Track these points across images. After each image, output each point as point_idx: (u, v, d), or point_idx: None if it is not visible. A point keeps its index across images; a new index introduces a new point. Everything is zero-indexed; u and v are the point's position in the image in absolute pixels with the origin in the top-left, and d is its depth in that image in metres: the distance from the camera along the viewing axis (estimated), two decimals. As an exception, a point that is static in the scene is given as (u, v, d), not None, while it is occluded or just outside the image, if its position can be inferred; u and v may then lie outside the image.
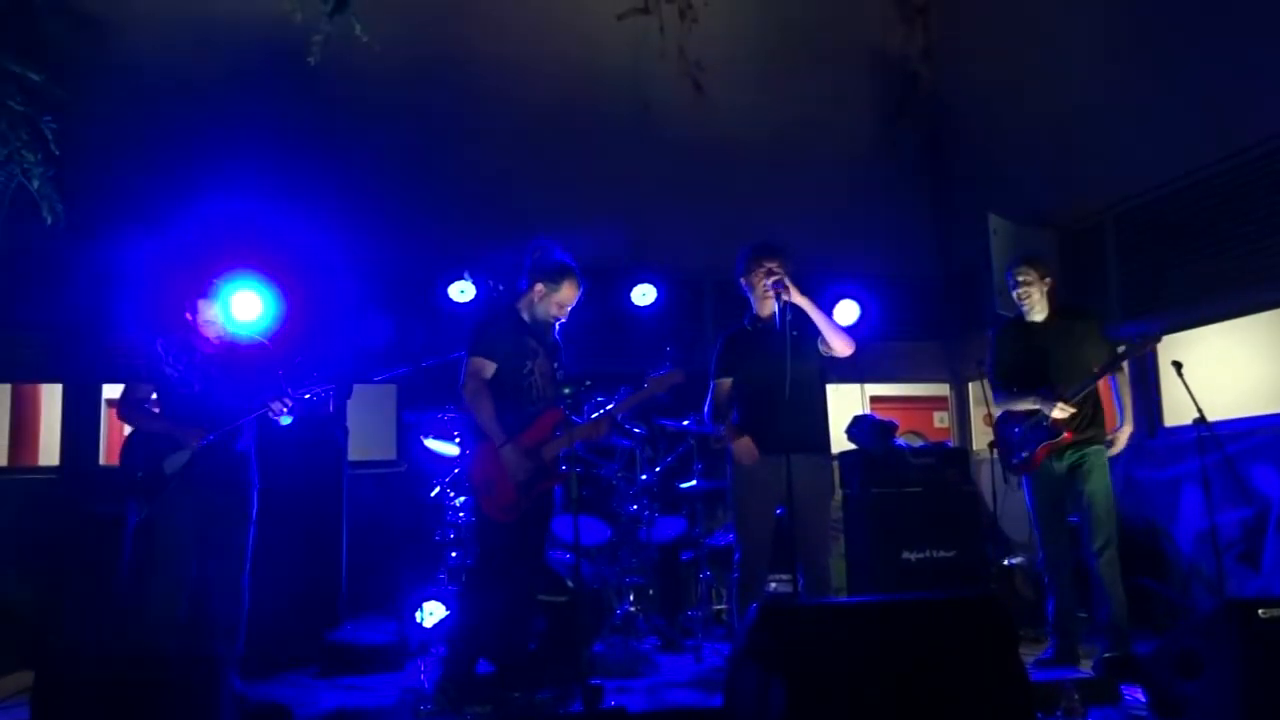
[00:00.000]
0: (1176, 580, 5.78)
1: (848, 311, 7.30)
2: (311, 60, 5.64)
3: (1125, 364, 4.84)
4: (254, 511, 4.40)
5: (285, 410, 4.31)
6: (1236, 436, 5.48)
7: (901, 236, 8.24)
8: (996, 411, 5.12)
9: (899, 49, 8.50)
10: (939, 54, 8.44)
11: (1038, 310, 4.93)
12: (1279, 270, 5.59)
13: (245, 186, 6.30)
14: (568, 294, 4.36)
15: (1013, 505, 6.51)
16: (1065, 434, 4.72)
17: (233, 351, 4.46)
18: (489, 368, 4.23)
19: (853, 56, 8.42)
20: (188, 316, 4.39)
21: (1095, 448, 4.79)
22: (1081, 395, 4.71)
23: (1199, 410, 4.82)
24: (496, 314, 4.48)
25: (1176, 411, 5.84)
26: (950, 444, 7.42)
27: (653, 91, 7.66)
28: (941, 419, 9.46)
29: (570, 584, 4.81)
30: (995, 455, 6.23)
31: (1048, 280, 4.91)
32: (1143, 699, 3.85)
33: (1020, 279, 4.91)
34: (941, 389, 8.86)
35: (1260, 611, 3.44)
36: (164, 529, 4.20)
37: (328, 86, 6.55)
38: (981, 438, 7.84)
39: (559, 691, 4.23)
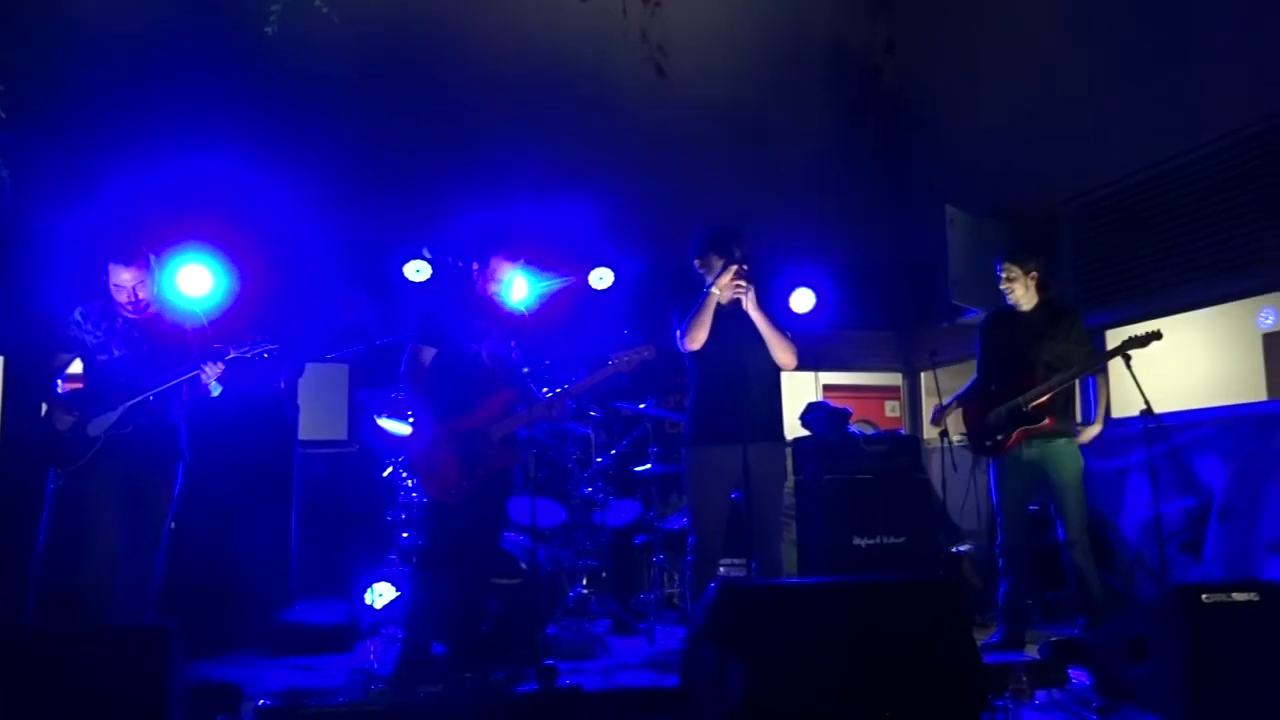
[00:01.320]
0: (1121, 569, 5.90)
1: (804, 299, 7.35)
2: (270, 30, 5.53)
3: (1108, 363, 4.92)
4: (178, 487, 4.29)
5: (218, 374, 4.21)
6: (1182, 428, 5.60)
7: (859, 226, 8.30)
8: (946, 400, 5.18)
9: (861, 40, 8.54)
10: (900, 46, 8.49)
11: (1024, 302, 4.99)
12: (1228, 266, 5.71)
13: (197, 158, 6.17)
14: (501, 271, 4.36)
15: (961, 494, 6.61)
16: (1047, 420, 4.80)
17: (158, 320, 4.33)
18: (426, 354, 4.25)
19: (815, 46, 8.45)
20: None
21: (1064, 439, 4.87)
22: (1056, 390, 4.78)
23: (1146, 402, 4.90)
24: (444, 296, 4.46)
25: (1124, 403, 5.94)
26: (902, 432, 7.49)
27: (615, 75, 7.61)
28: (893, 408, 9.56)
29: (524, 566, 4.79)
30: (946, 444, 6.34)
31: (1033, 274, 4.97)
32: (1089, 681, 3.91)
33: (1003, 274, 4.99)
34: (894, 378, 8.96)
35: (1204, 596, 3.53)
36: (92, 498, 4.09)
37: (285, 59, 6.42)
38: (932, 427, 7.92)
39: (512, 672, 4.21)
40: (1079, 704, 3.71)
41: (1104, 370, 4.99)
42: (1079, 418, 5.02)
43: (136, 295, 4.22)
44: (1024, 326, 4.98)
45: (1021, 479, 4.92)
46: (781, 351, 4.40)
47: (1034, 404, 4.80)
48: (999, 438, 4.91)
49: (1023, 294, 4.97)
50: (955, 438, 6.51)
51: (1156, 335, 4.73)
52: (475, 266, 4.39)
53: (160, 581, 4.27)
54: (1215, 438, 5.56)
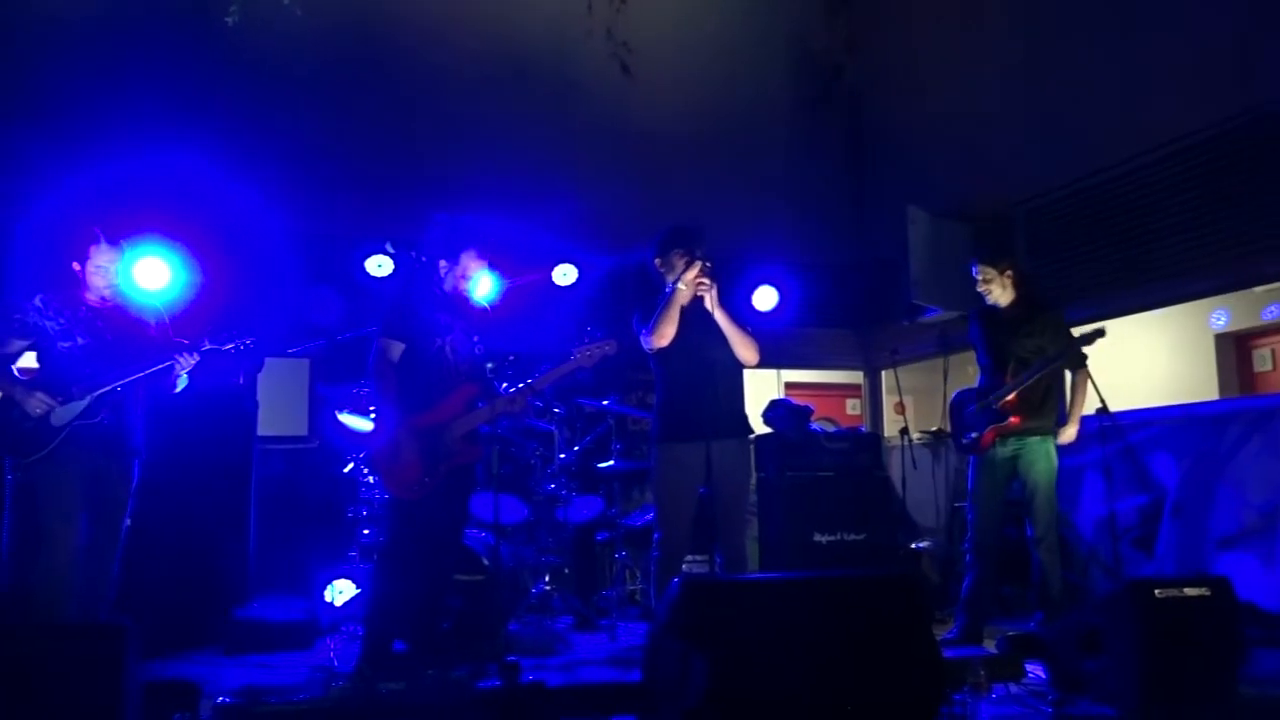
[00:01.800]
0: (1077, 564, 5.99)
1: (767, 297, 7.39)
2: (230, 20, 5.46)
3: (1086, 364, 4.96)
4: (134, 484, 4.23)
5: (191, 366, 4.15)
6: (1136, 427, 5.70)
7: (820, 225, 8.37)
8: None
9: (823, 40, 8.60)
10: (861, 46, 8.56)
11: (1002, 299, 5.04)
12: (1181, 268, 5.83)
13: (156, 150, 6.08)
14: (470, 268, 4.37)
15: (921, 491, 6.69)
16: (1012, 419, 4.85)
17: (122, 311, 4.25)
18: (396, 349, 4.21)
19: (777, 46, 8.50)
20: (75, 266, 4.14)
21: (1040, 437, 4.90)
22: (1028, 384, 4.83)
23: (1102, 401, 4.98)
24: (409, 291, 4.43)
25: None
26: (863, 430, 7.56)
27: (579, 73, 7.61)
28: (854, 406, 9.65)
29: (486, 563, 4.78)
30: (906, 442, 6.41)
31: (1008, 273, 5.01)
32: (1045, 675, 3.97)
33: (979, 276, 5.04)
34: (855, 376, 9.04)
35: (1157, 591, 3.59)
36: (51, 492, 3.98)
37: (246, 51, 6.35)
38: (892, 425, 8.01)
39: (474, 668, 4.20)
40: (1035, 697, 3.76)
41: (1084, 368, 5.01)
42: (1056, 414, 5.05)
43: (113, 280, 4.17)
44: (1001, 323, 5.02)
45: (996, 476, 4.97)
46: (744, 348, 4.43)
47: (1002, 402, 4.85)
48: (974, 435, 4.96)
49: (1000, 293, 5.02)
50: (917, 435, 6.59)
51: (1100, 333, 4.79)
52: (443, 263, 4.36)
53: (118, 579, 4.20)
54: (1168, 436, 5.66)
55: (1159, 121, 5.89)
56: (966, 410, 5.04)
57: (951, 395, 5.25)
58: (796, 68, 8.59)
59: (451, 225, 4.46)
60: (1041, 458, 4.89)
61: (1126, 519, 5.71)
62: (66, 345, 4.09)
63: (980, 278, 5.04)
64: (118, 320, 4.22)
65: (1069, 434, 5.00)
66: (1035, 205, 6.80)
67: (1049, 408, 4.98)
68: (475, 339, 4.42)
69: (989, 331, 5.06)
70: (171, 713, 3.39)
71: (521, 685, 3.50)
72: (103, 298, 4.18)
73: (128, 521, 4.24)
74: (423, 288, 4.39)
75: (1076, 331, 4.93)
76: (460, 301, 4.40)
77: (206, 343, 4.18)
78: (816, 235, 8.31)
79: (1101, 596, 4.23)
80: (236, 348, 4.21)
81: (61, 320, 4.10)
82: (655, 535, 4.45)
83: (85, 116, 6.20)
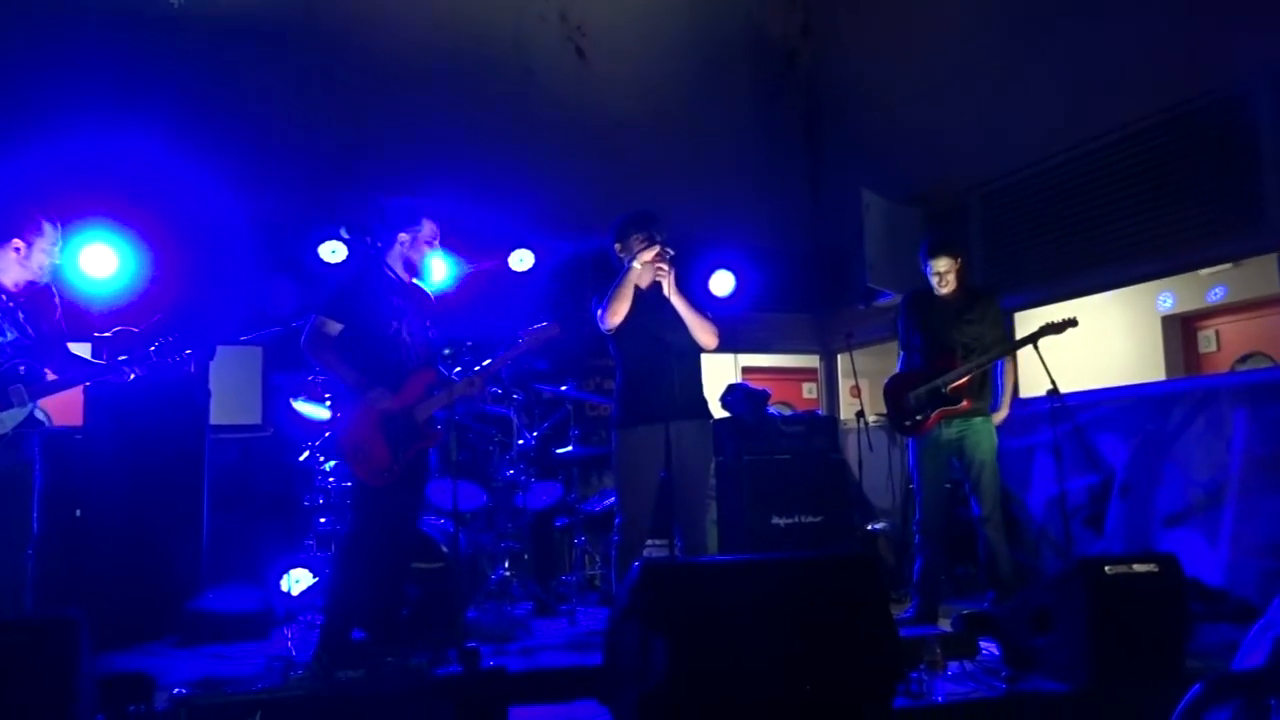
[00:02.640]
0: (1028, 544, 6.09)
1: (723, 282, 7.42)
2: (175, 2, 5.36)
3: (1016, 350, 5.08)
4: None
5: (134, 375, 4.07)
6: (1085, 408, 5.80)
7: (776, 210, 8.40)
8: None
9: (778, 26, 8.61)
10: (816, 31, 8.59)
11: (947, 288, 5.11)
12: (1129, 251, 5.93)
13: (102, 135, 5.97)
14: (429, 230, 4.35)
15: (877, 473, 6.75)
16: (964, 402, 4.93)
17: (45, 298, 4.06)
18: (333, 327, 4.16)
19: (733, 30, 8.50)
20: (19, 243, 3.93)
21: (982, 418, 5.04)
22: (974, 373, 4.92)
23: (1053, 382, 5.06)
24: (361, 274, 4.37)
25: (1031, 383, 6.14)
26: (820, 413, 7.61)
27: (535, 56, 7.56)
28: (810, 390, 9.72)
29: (444, 550, 4.76)
30: (862, 424, 6.47)
31: (959, 260, 5.11)
32: (998, 652, 4.04)
33: (938, 268, 5.09)
34: (811, 360, 9.10)
35: (1107, 568, 3.67)
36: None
37: (192, 31, 6.23)
38: (849, 408, 8.08)
39: (434, 655, 4.18)
40: (989, 674, 3.82)
41: (1013, 354, 5.16)
42: (994, 395, 5.17)
43: (54, 264, 4.03)
44: (943, 310, 5.12)
45: (940, 458, 5.07)
46: (702, 332, 4.44)
47: (953, 386, 4.94)
48: (918, 418, 5.03)
49: (952, 282, 5.10)
50: (872, 418, 6.65)
51: (1072, 322, 4.89)
52: (404, 236, 4.31)
53: (63, 571, 4.11)
54: (1116, 416, 5.77)
55: (1108, 108, 5.97)
56: (907, 394, 5.10)
57: (884, 382, 5.32)
58: (752, 53, 8.60)
59: (409, 204, 4.42)
60: (985, 437, 5.02)
61: (1076, 498, 5.82)
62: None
63: (939, 269, 5.09)
64: (36, 309, 4.03)
65: (1002, 417, 5.16)
66: (989, 190, 6.88)
67: (987, 390, 5.14)
68: (428, 324, 4.39)
69: (926, 317, 5.16)
70: (126, 705, 3.35)
71: (481, 671, 3.50)
72: (30, 283, 3.99)
73: (77, 512, 4.14)
74: (376, 273, 4.35)
75: (1037, 314, 5.02)
76: (413, 287, 4.38)
77: (152, 356, 4.07)
78: (772, 220, 8.35)
79: (1052, 575, 4.30)
80: (174, 358, 4.11)
81: None
82: (616, 520, 4.46)
83: (30, 102, 6.06)
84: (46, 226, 4.00)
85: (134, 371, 4.03)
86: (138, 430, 5.20)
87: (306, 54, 6.93)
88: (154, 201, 6.09)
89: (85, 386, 5.22)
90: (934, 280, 5.13)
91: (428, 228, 4.34)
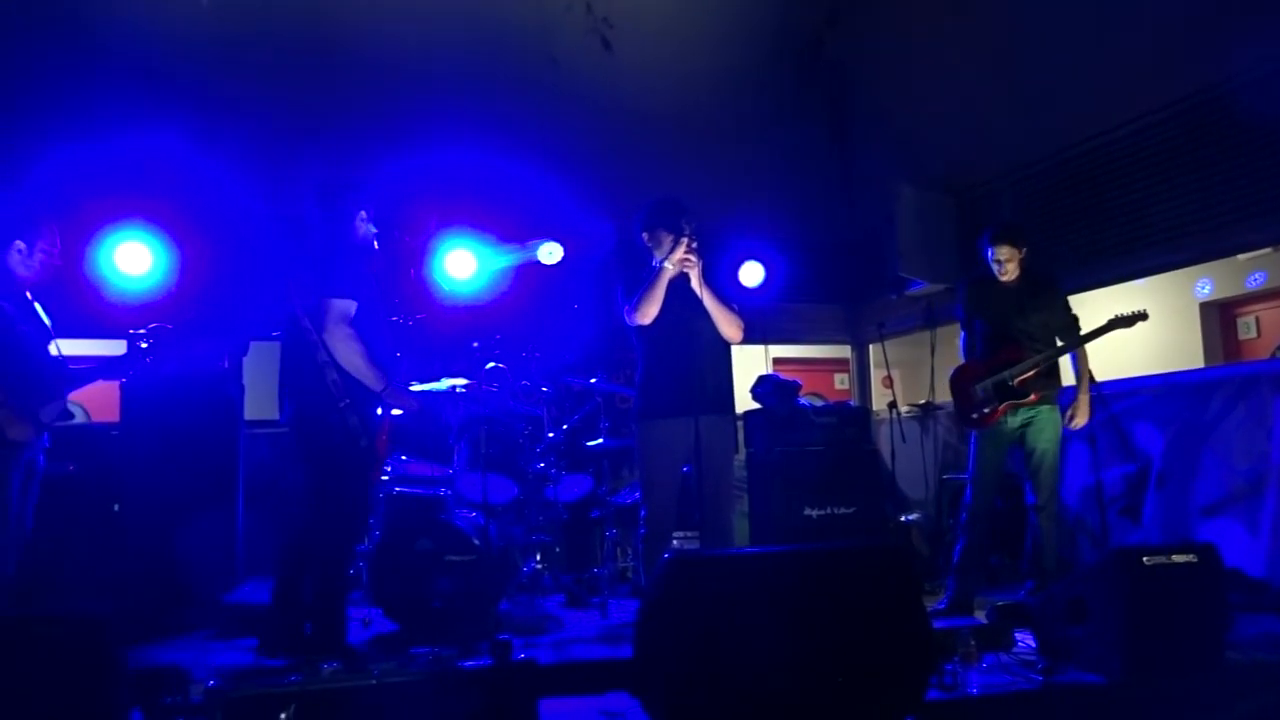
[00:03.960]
0: (1064, 535, 6.02)
1: (753, 273, 7.39)
2: (205, 1, 5.40)
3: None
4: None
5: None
6: (1121, 396, 5.72)
7: (806, 200, 8.34)
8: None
9: (805, 14, 8.54)
10: (843, 20, 8.51)
11: (1009, 276, 5.00)
12: (1166, 236, 5.84)
13: (132, 135, 6.03)
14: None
15: (910, 464, 6.71)
16: (1032, 395, 4.86)
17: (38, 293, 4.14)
18: (353, 308, 4.02)
19: (759, 20, 8.43)
20: (20, 245, 3.98)
21: (1049, 406, 4.93)
22: (1041, 364, 4.85)
23: (1088, 371, 5.00)
24: (351, 251, 4.22)
25: (1067, 373, 6.06)
26: (851, 404, 7.57)
27: (560, 47, 7.55)
28: (842, 380, 9.67)
29: (476, 542, 4.77)
30: (894, 415, 6.42)
31: (1023, 249, 4.99)
32: (1033, 644, 4.00)
33: (999, 256, 4.97)
34: (842, 351, 9.05)
35: (1144, 558, 3.61)
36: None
37: (221, 32, 6.27)
38: (881, 399, 8.03)
39: (465, 647, 4.20)
40: (1024, 666, 3.78)
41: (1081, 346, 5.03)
42: (1062, 383, 5.06)
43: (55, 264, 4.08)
44: (1005, 297, 5.00)
45: (1002, 446, 4.99)
46: (727, 325, 4.41)
47: (1020, 379, 4.86)
48: (985, 411, 4.95)
49: (1014, 270, 4.99)
50: (905, 409, 6.60)
51: (1143, 315, 4.78)
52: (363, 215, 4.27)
53: (101, 565, 4.16)
54: (1153, 405, 5.68)
55: (1143, 91, 5.88)
56: (973, 386, 5.01)
57: (950, 372, 5.24)
58: (779, 41, 8.53)
59: (430, 202, 4.41)
60: (1050, 426, 4.92)
61: (1113, 488, 5.74)
62: (25, 330, 3.99)
63: (1000, 257, 4.97)
64: (40, 303, 4.13)
65: (1083, 413, 4.99)
66: (1022, 176, 6.80)
67: (1055, 378, 5.01)
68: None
69: (989, 304, 5.05)
70: (161, 698, 3.39)
71: (513, 663, 3.50)
72: (35, 279, 4.07)
73: (115, 507, 4.20)
74: (361, 250, 4.29)
75: (1123, 311, 4.89)
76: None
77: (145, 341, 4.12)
78: (802, 209, 8.29)
79: (1088, 565, 4.25)
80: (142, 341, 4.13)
81: (15, 303, 4.00)
82: (642, 512, 4.45)
83: (59, 104, 6.14)
84: (46, 229, 4.05)
85: (122, 375, 4.09)
86: (173, 426, 5.25)
87: (331, 48, 6.95)
88: (187, 200, 6.16)
89: (121, 384, 5.31)
90: (995, 268, 5.01)
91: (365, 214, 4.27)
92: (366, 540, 5.31)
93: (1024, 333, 4.93)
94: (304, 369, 4.02)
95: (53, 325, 4.15)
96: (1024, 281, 5.02)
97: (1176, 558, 3.63)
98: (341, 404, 3.93)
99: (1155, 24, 5.80)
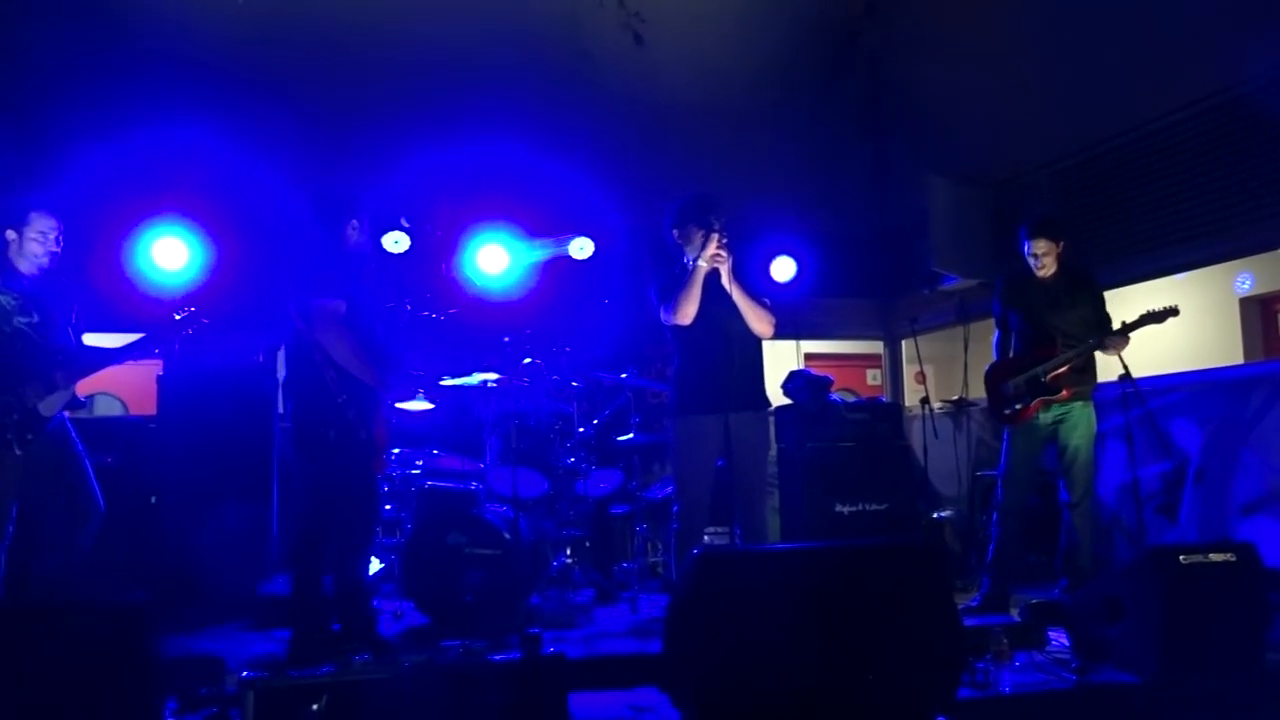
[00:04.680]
0: (1100, 532, 5.95)
1: (785, 268, 7.36)
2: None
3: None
4: None
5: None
6: (1158, 393, 5.64)
7: (838, 194, 8.29)
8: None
9: (840, 7, 8.48)
10: (880, 11, 8.44)
11: (1047, 271, 4.96)
12: (1205, 230, 5.74)
13: (168, 130, 6.10)
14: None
15: (942, 460, 6.65)
16: (1064, 391, 4.82)
17: (52, 281, 4.12)
18: (343, 308, 4.11)
19: (793, 12, 8.38)
20: (10, 235, 3.96)
21: (1082, 403, 4.89)
22: (1073, 360, 4.81)
23: (1125, 367, 4.94)
24: (340, 256, 4.29)
25: (1103, 368, 5.99)
26: (883, 400, 7.52)
27: (591, 41, 7.54)
28: (874, 376, 9.61)
29: (506, 536, 4.79)
30: (927, 411, 6.37)
31: (1059, 244, 4.94)
32: (1067, 643, 3.96)
33: (1037, 250, 4.92)
34: (875, 346, 8.99)
35: (1181, 557, 3.57)
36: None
37: (253, 29, 6.33)
38: (913, 395, 7.97)
39: (495, 641, 4.22)
40: (1057, 665, 3.75)
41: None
42: (1098, 379, 5.01)
43: (52, 249, 4.07)
44: (1041, 293, 4.95)
45: (1035, 443, 4.96)
46: (758, 321, 4.40)
47: (1052, 375, 4.82)
48: (1017, 407, 4.91)
49: (1052, 265, 4.95)
50: (937, 405, 6.55)
51: (1174, 311, 4.72)
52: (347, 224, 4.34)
53: (138, 555, 4.22)
54: (1191, 402, 5.60)
55: (1182, 84, 5.79)
56: (1006, 382, 4.97)
57: (985, 368, 5.19)
58: (814, 33, 8.47)
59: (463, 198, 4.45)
60: (1083, 422, 4.88)
61: (1150, 486, 5.67)
62: (25, 321, 3.97)
63: (1037, 251, 4.92)
64: (49, 296, 4.10)
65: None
66: (1059, 169, 6.71)
67: (1089, 374, 4.96)
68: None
69: (1025, 300, 4.99)
70: (197, 687, 3.44)
71: (543, 657, 3.51)
72: (40, 271, 4.07)
73: (153, 499, 4.25)
74: (361, 258, 4.36)
75: (1154, 306, 4.84)
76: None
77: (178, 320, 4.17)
78: (835, 203, 8.24)
79: (1124, 563, 4.20)
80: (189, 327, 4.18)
81: (14, 294, 3.98)
82: (674, 508, 4.45)
83: (95, 99, 6.21)
84: (34, 216, 4.02)
85: (156, 348, 4.13)
86: (209, 419, 5.32)
87: (364, 45, 6.99)
88: (223, 196, 6.22)
89: (158, 376, 5.38)
90: (1031, 262, 4.96)
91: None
92: (381, 530, 5.37)
93: (1059, 329, 4.88)
94: (303, 367, 4.14)
95: (87, 318, 4.19)
96: (1061, 277, 4.96)
97: (1214, 556, 3.58)
98: (339, 399, 3.99)
99: (1194, 17, 5.70)
